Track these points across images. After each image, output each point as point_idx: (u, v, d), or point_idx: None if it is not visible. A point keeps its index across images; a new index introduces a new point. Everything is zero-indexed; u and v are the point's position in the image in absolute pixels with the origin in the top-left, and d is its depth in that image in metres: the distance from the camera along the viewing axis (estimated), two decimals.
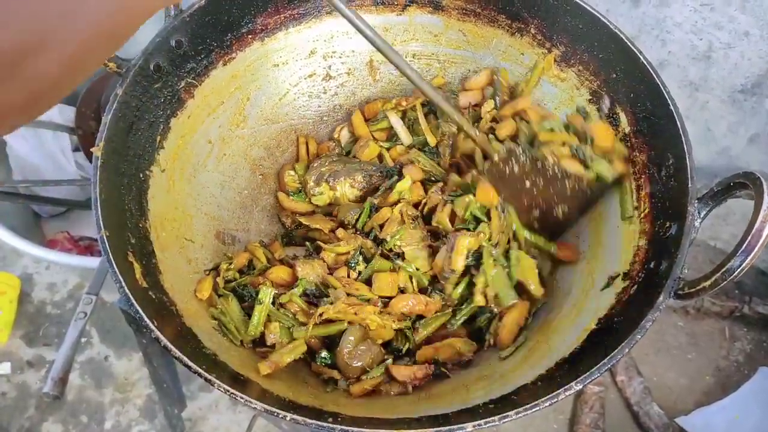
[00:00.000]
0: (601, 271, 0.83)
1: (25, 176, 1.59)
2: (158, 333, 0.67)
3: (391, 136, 1.05)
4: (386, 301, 0.86)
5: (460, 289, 0.85)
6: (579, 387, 0.64)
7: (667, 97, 0.79)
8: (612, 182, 0.84)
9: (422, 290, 0.89)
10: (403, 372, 0.81)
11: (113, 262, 0.69)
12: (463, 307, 0.86)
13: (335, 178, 0.97)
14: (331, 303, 0.82)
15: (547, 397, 0.64)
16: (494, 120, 0.95)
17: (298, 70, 1.03)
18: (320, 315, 0.81)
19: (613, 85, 0.88)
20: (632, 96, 0.85)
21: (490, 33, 0.99)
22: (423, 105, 1.02)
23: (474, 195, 0.87)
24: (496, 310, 0.84)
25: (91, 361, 1.62)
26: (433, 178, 0.98)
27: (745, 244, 0.62)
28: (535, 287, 0.83)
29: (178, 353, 0.67)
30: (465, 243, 0.83)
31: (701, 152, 1.54)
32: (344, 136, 1.06)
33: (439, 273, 0.87)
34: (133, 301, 0.68)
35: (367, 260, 0.90)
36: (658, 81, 0.80)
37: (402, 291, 0.88)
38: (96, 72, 1.54)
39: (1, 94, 0.42)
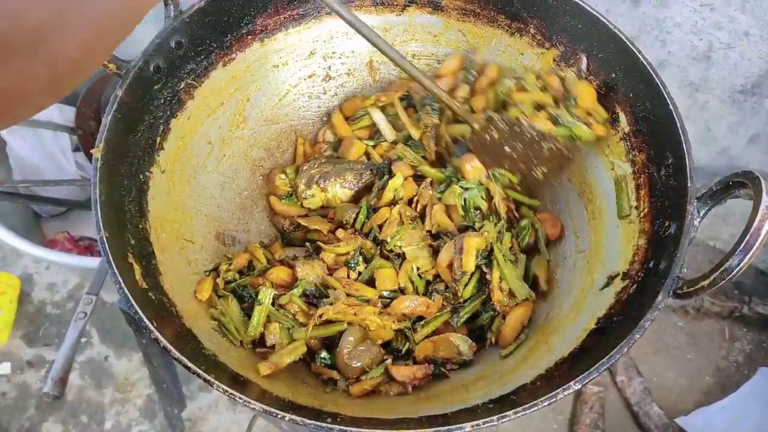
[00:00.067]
0: (600, 270, 0.83)
1: (25, 176, 1.59)
2: (158, 334, 0.67)
3: (374, 133, 1.04)
4: (387, 302, 0.86)
5: (470, 287, 0.86)
6: (578, 387, 0.64)
7: (666, 96, 0.79)
8: (591, 144, 0.88)
9: (424, 291, 0.89)
10: (402, 372, 0.81)
11: (113, 263, 0.70)
12: (466, 304, 0.87)
13: (326, 179, 0.96)
14: (331, 304, 0.82)
15: (546, 397, 0.64)
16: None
17: (298, 71, 1.03)
18: (320, 316, 0.81)
19: (612, 84, 0.88)
20: (632, 96, 0.85)
21: (490, 33, 0.99)
22: (401, 99, 1.02)
23: (458, 181, 0.92)
24: (499, 308, 0.85)
25: (91, 361, 1.62)
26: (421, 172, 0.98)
27: (743, 243, 0.62)
28: (543, 282, 0.88)
29: (177, 354, 0.67)
30: (473, 243, 0.84)
31: (701, 152, 1.54)
32: (328, 137, 1.05)
33: (445, 274, 0.87)
34: (133, 302, 0.68)
35: (367, 261, 0.90)
36: (657, 81, 0.80)
37: (402, 291, 0.88)
38: (96, 72, 1.55)
39: (24, 71, 0.43)
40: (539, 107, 0.89)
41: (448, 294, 0.88)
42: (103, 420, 1.55)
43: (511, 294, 0.86)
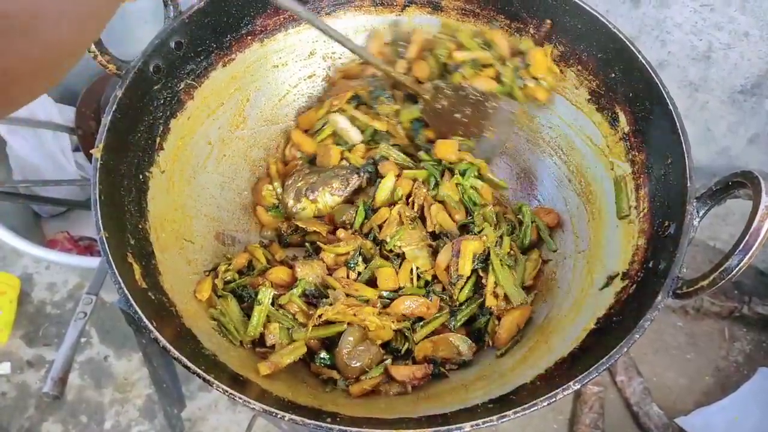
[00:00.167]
0: (600, 270, 0.83)
1: (25, 176, 1.59)
2: (157, 334, 0.67)
3: (339, 139, 1.02)
4: (386, 302, 0.86)
5: (466, 290, 0.86)
6: (577, 387, 0.64)
7: (665, 96, 0.79)
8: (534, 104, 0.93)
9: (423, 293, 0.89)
10: (402, 372, 0.81)
11: (112, 263, 0.70)
12: (464, 307, 0.86)
13: (313, 190, 0.95)
14: (331, 304, 0.82)
15: (546, 396, 0.64)
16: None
17: (298, 71, 1.03)
18: (319, 316, 0.81)
19: (612, 84, 0.88)
20: (631, 96, 0.85)
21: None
22: (349, 101, 1.01)
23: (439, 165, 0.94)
24: (495, 311, 0.85)
25: (91, 361, 1.62)
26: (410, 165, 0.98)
27: (743, 243, 0.62)
28: (528, 276, 0.90)
29: (177, 354, 0.67)
30: (471, 247, 0.84)
31: (701, 152, 1.54)
32: (297, 155, 1.02)
33: (443, 276, 0.87)
34: (133, 302, 0.68)
35: (367, 261, 0.90)
36: (657, 81, 0.80)
37: (401, 291, 0.88)
38: (96, 73, 1.55)
39: (18, 50, 0.43)
40: (485, 66, 0.93)
41: (444, 296, 0.88)
42: (103, 420, 1.55)
43: (507, 299, 0.85)
